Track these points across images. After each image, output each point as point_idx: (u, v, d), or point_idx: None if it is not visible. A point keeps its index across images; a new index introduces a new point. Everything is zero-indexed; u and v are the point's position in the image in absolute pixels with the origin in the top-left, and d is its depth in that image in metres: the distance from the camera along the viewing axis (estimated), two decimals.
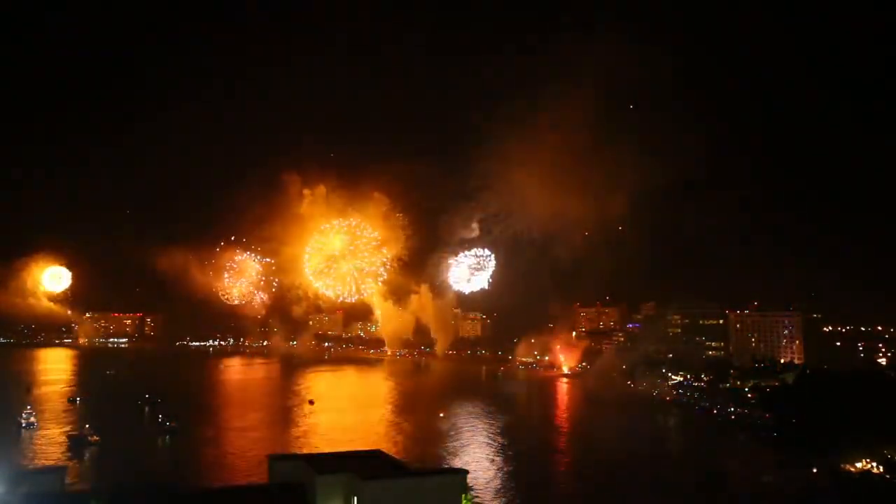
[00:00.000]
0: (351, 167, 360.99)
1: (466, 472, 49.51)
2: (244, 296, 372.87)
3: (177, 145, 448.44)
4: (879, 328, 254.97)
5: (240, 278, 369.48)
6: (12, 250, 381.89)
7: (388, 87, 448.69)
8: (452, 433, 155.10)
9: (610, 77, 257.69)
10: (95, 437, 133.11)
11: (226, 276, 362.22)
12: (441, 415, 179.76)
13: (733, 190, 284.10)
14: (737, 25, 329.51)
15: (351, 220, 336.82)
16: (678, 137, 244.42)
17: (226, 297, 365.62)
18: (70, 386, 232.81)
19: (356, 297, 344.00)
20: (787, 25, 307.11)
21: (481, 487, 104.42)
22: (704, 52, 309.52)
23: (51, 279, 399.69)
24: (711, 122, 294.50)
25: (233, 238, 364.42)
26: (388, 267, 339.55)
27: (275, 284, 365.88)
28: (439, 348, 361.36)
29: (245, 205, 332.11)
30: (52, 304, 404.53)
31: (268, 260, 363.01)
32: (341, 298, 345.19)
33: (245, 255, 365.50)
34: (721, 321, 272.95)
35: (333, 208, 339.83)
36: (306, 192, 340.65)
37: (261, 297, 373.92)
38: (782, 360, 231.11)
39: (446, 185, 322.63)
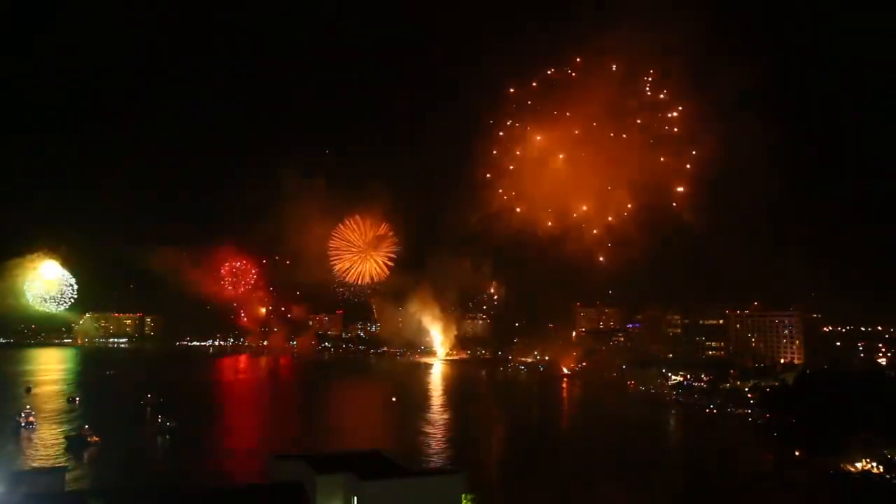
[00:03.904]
0: (350, 162, 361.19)
1: (467, 472, 49.45)
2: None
3: (175, 142, 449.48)
4: (879, 328, 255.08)
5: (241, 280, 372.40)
6: (10, 250, 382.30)
7: (388, 80, 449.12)
8: (452, 433, 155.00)
9: (617, 69, 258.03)
10: (95, 437, 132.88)
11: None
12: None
13: (734, 189, 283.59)
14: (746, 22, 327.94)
15: (345, 219, 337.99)
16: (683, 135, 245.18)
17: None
18: (69, 386, 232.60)
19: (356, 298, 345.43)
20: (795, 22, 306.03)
21: (481, 487, 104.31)
22: (713, 47, 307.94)
23: (48, 282, 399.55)
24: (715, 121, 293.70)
25: (231, 237, 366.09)
26: (385, 266, 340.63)
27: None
28: (440, 348, 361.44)
29: (243, 202, 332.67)
30: (48, 305, 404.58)
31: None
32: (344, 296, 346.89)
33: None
34: (721, 321, 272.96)
35: (334, 201, 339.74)
36: (306, 181, 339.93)
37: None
38: (782, 360, 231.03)
39: (446, 181, 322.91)
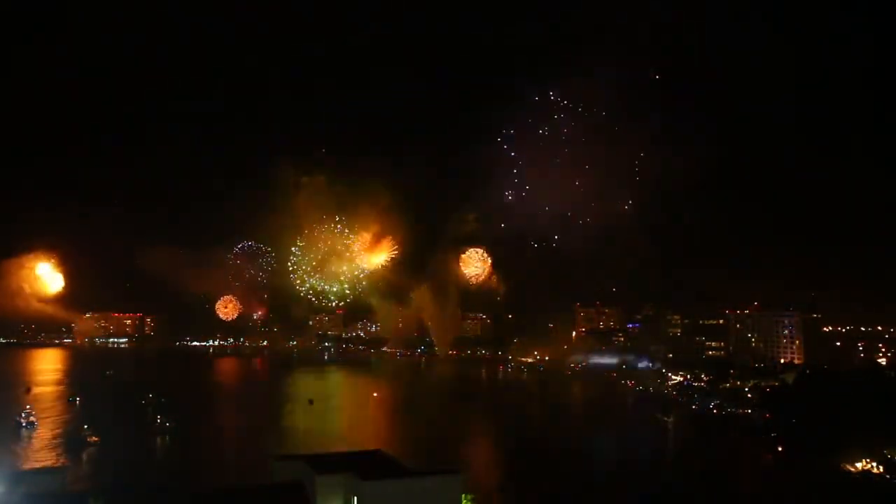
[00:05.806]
0: (350, 160, 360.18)
1: (466, 472, 49.48)
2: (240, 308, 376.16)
3: (173, 140, 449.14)
4: (879, 328, 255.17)
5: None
6: (9, 250, 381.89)
7: (389, 78, 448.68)
8: (452, 434, 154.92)
9: (618, 73, 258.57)
10: (95, 438, 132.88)
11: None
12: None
13: (734, 190, 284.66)
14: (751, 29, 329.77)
15: (344, 219, 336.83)
16: (685, 136, 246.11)
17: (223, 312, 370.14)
18: (69, 386, 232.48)
19: (350, 298, 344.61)
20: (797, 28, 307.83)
21: (481, 488, 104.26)
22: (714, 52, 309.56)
23: (42, 280, 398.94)
24: (715, 122, 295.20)
25: (230, 235, 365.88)
26: (384, 266, 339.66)
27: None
28: (440, 348, 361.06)
29: (243, 200, 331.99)
30: (46, 304, 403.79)
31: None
32: (336, 302, 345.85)
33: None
34: (721, 321, 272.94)
35: (332, 200, 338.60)
36: (305, 180, 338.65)
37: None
38: (782, 360, 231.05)
39: (447, 179, 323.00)
